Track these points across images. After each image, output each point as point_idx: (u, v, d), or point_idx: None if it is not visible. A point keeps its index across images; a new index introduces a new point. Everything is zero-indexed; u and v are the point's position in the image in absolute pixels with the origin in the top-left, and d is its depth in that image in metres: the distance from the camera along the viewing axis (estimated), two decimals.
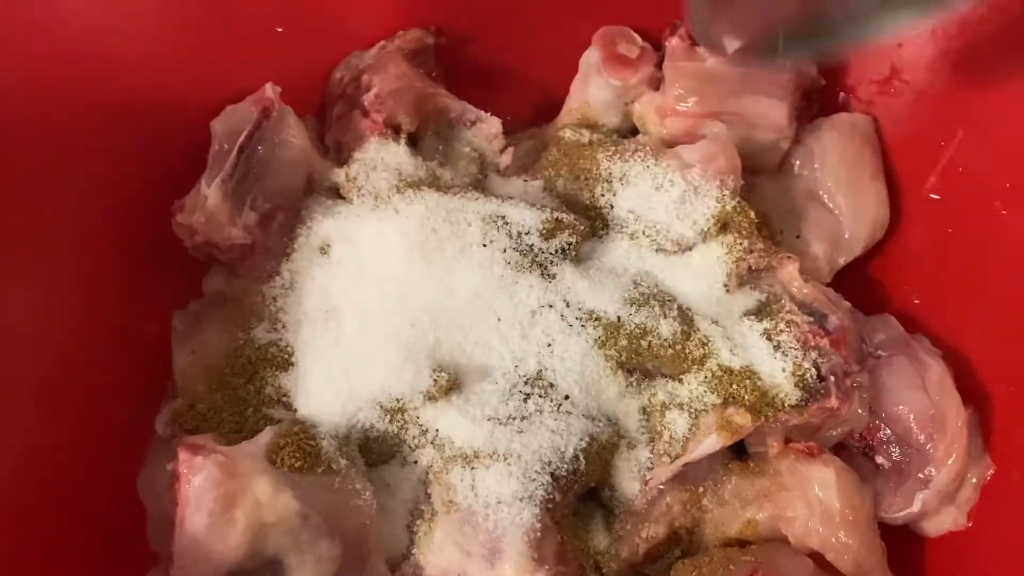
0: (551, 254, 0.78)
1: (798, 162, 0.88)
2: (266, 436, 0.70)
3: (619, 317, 0.75)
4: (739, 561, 0.70)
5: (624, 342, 0.75)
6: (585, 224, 0.78)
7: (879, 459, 0.77)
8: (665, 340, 0.75)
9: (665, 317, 0.75)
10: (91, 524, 0.76)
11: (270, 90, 0.82)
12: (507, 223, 0.78)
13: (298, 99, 0.87)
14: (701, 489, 0.76)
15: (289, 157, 0.81)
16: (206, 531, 0.65)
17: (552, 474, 0.70)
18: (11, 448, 0.73)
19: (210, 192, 0.78)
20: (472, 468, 0.70)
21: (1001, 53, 0.79)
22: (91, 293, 0.81)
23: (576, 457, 0.71)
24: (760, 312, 0.80)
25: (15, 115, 0.76)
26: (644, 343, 0.75)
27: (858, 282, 0.87)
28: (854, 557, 0.72)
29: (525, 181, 0.86)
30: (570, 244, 0.77)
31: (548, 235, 0.77)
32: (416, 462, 0.74)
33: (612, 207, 0.81)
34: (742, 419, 0.72)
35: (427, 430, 0.74)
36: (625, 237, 0.80)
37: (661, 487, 0.74)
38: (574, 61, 0.93)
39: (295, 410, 0.75)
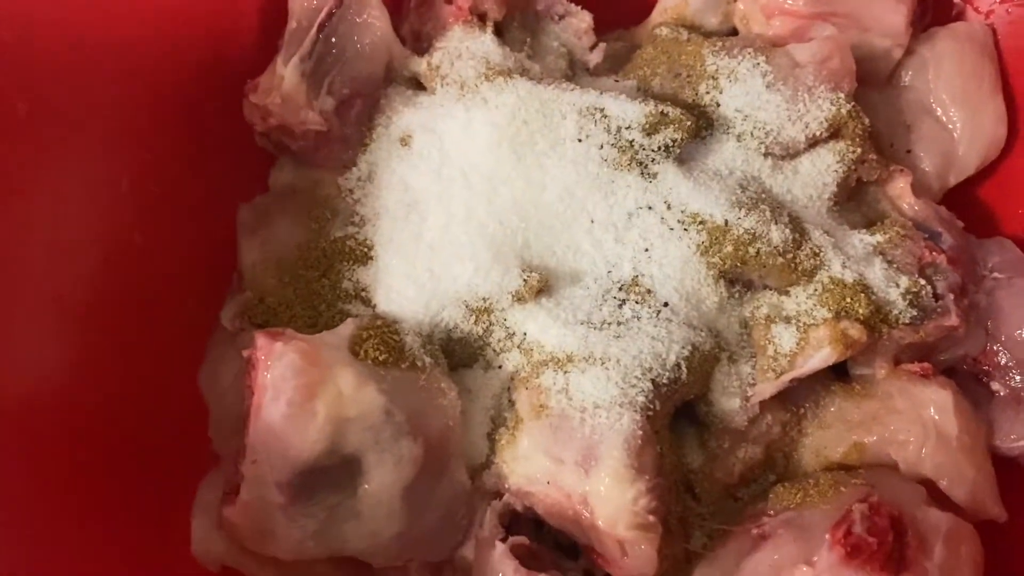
0: (653, 151, 0.72)
1: (911, 73, 0.82)
2: (348, 327, 0.66)
3: (727, 221, 0.70)
4: (849, 485, 0.66)
5: (730, 248, 0.70)
6: (692, 119, 0.72)
7: (995, 385, 0.73)
8: (775, 247, 0.69)
9: (776, 223, 0.70)
10: (152, 421, 0.72)
11: None
12: (606, 116, 0.72)
13: None
14: (802, 410, 0.72)
15: (370, 40, 0.76)
16: (284, 422, 0.61)
17: (653, 380, 0.65)
18: (70, 337, 0.69)
19: (287, 72, 0.73)
20: (566, 372, 0.66)
21: None
22: (153, 183, 0.77)
23: (678, 365, 0.66)
24: (869, 226, 0.75)
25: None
26: (752, 250, 0.69)
27: (970, 203, 0.82)
28: (970, 486, 0.67)
29: (616, 81, 0.80)
30: (675, 141, 0.72)
31: (651, 130, 0.72)
32: (500, 367, 0.70)
33: (718, 105, 0.75)
34: (857, 332, 0.67)
35: (514, 333, 0.69)
36: (731, 138, 0.74)
37: (762, 405, 0.69)
38: None
39: (374, 306, 0.71)
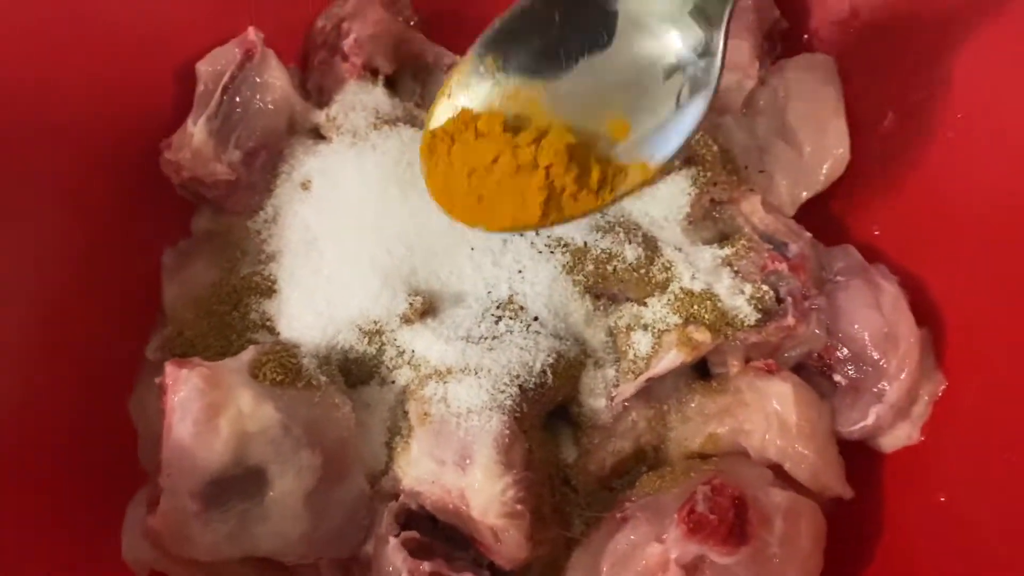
0: None
1: (762, 101, 0.91)
2: (249, 353, 0.74)
3: (586, 243, 0.79)
4: (700, 470, 0.74)
5: (591, 267, 0.78)
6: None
7: (836, 377, 0.81)
8: (630, 264, 0.78)
9: (630, 243, 0.79)
10: (86, 447, 0.80)
11: (252, 33, 0.85)
12: None
13: (281, 49, 0.91)
14: (666, 407, 0.80)
15: (271, 97, 0.85)
16: (192, 439, 0.69)
17: (520, 386, 0.73)
18: (9, 379, 0.77)
19: (196, 130, 0.82)
20: (445, 382, 0.74)
21: None
22: (84, 234, 0.85)
23: (544, 371, 0.75)
24: (722, 241, 0.84)
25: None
26: (610, 267, 0.78)
27: (820, 216, 0.90)
28: (811, 468, 0.75)
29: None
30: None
31: None
32: (394, 382, 0.78)
33: None
34: (701, 335, 0.76)
35: (404, 351, 0.78)
36: None
37: (627, 404, 0.78)
38: None
39: (278, 333, 0.79)
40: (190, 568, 0.75)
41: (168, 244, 0.89)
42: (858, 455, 0.81)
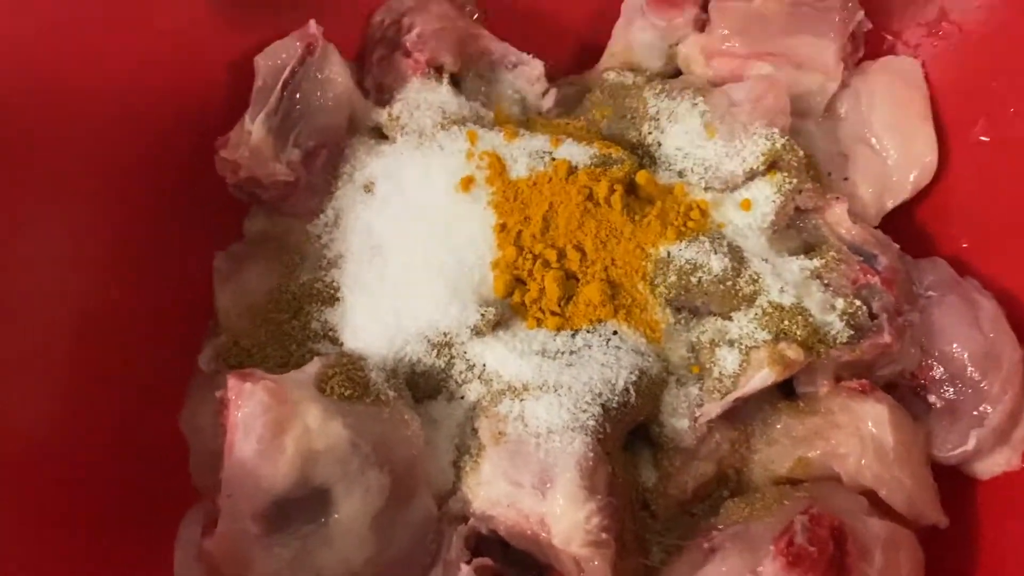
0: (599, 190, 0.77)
1: (845, 105, 0.87)
2: (314, 366, 0.69)
3: (669, 252, 0.74)
4: (793, 498, 0.69)
5: (673, 278, 0.74)
6: (634, 159, 0.77)
7: (931, 398, 0.76)
8: (715, 276, 0.74)
9: (716, 253, 0.74)
10: (134, 462, 0.76)
11: (314, 26, 0.81)
12: (554, 159, 0.77)
13: (339, 44, 0.87)
14: (750, 428, 0.75)
15: (332, 94, 0.81)
16: (255, 458, 0.64)
17: (603, 405, 0.69)
18: (55, 389, 0.73)
19: (254, 127, 0.78)
20: (521, 400, 0.70)
21: None
22: (130, 235, 0.81)
23: (627, 389, 0.70)
24: (806, 252, 0.79)
25: (52, 59, 0.76)
26: (694, 279, 0.74)
27: (906, 226, 0.86)
28: (907, 494, 0.71)
29: (567, 123, 0.85)
30: (618, 179, 0.76)
31: (597, 172, 0.76)
32: (463, 397, 0.74)
33: (660, 145, 0.80)
34: (795, 353, 0.71)
35: (474, 365, 0.73)
36: (673, 175, 0.79)
37: (710, 425, 0.73)
38: (616, 5, 0.92)
39: (341, 344, 0.75)
40: None
41: (219, 248, 0.84)
42: (950, 480, 0.76)
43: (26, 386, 0.72)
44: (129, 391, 0.77)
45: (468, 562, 0.68)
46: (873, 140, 0.86)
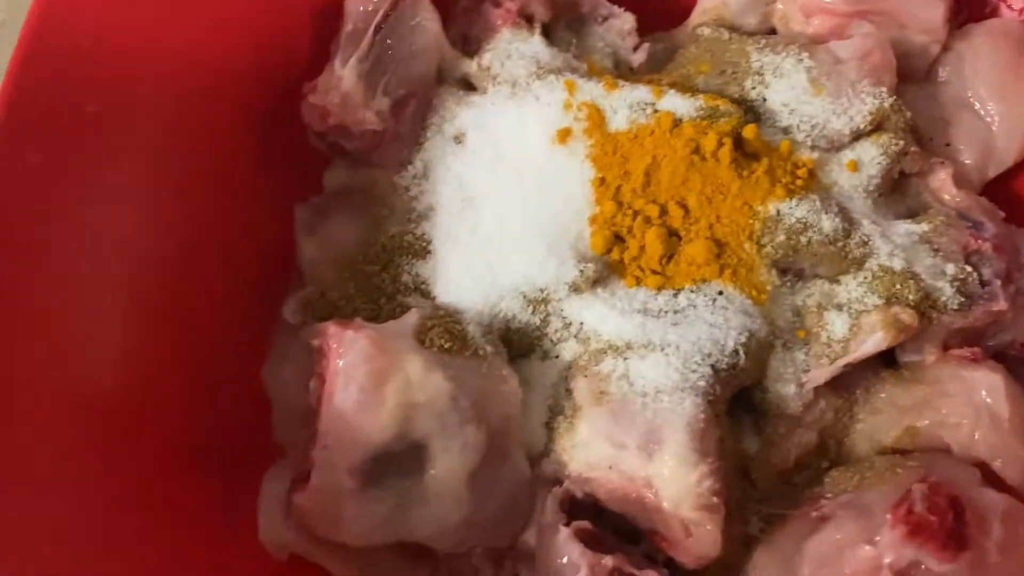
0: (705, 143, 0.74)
1: (948, 68, 0.84)
2: (413, 317, 0.67)
3: (778, 211, 0.71)
4: (906, 467, 0.67)
5: (782, 237, 0.71)
6: (741, 112, 0.74)
7: None
8: (826, 236, 0.71)
9: (826, 213, 0.71)
10: (215, 416, 0.74)
11: None
12: (656, 111, 0.74)
13: None
14: (853, 397, 0.73)
15: (423, 42, 0.78)
16: (355, 408, 0.62)
17: (712, 366, 0.66)
18: (135, 342, 0.71)
19: (346, 73, 0.75)
20: (625, 359, 0.67)
21: None
22: (208, 184, 0.78)
23: (736, 351, 0.67)
24: (913, 216, 0.76)
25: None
26: (804, 239, 0.71)
27: (1009, 195, 0.83)
28: (1023, 467, 0.68)
29: (663, 79, 0.82)
30: (726, 133, 0.73)
31: (703, 124, 0.73)
32: (558, 356, 0.71)
33: (765, 100, 0.77)
34: (909, 317, 0.68)
35: (571, 323, 0.70)
36: (778, 132, 0.76)
37: (816, 391, 0.70)
38: None
39: (434, 298, 0.72)
40: (336, 555, 0.68)
41: (297, 199, 0.81)
42: None
43: (104, 338, 0.69)
44: (211, 344, 0.74)
45: (567, 524, 0.66)
46: (977, 105, 0.83)
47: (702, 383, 0.65)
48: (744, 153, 0.73)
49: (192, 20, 0.77)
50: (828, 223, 0.71)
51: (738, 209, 0.71)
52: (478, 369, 0.66)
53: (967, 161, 0.82)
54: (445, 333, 0.66)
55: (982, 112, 0.82)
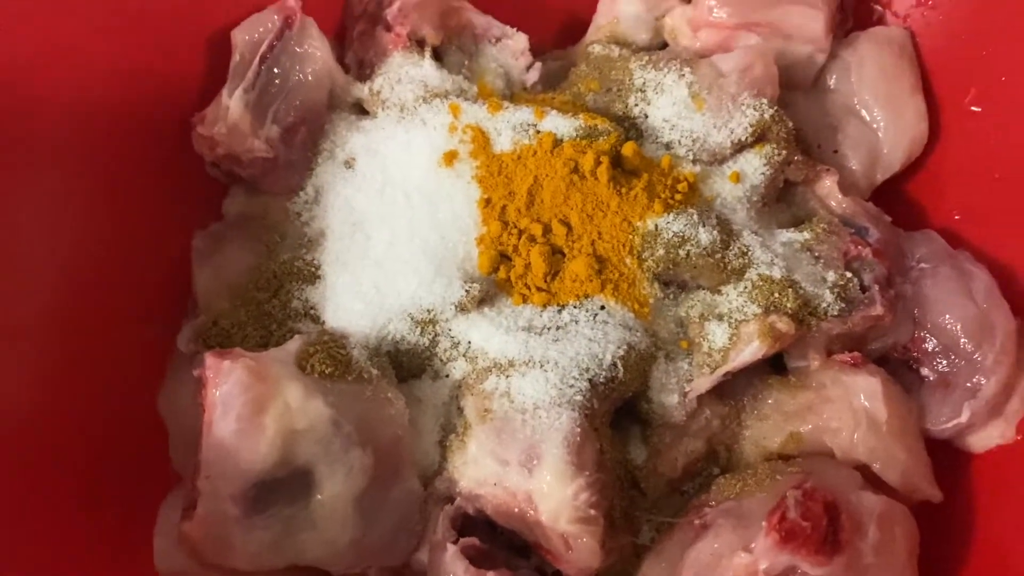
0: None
1: (834, 76, 0.86)
2: (295, 343, 0.68)
3: (656, 225, 0.73)
4: (785, 473, 0.68)
5: (661, 251, 0.72)
6: (620, 130, 0.75)
7: (924, 371, 0.75)
8: (704, 249, 0.72)
9: (704, 225, 0.73)
10: (112, 446, 0.74)
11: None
12: (539, 132, 0.75)
13: (319, 19, 0.85)
14: (740, 404, 0.74)
15: (311, 69, 0.79)
16: (234, 437, 0.63)
17: (590, 380, 0.67)
18: (30, 370, 0.71)
19: (232, 103, 0.76)
20: (507, 376, 0.68)
21: None
22: (107, 214, 0.79)
23: (614, 364, 0.69)
24: (799, 225, 0.78)
25: (23, 39, 0.74)
26: (682, 252, 0.72)
27: (897, 199, 0.85)
28: (901, 468, 0.70)
29: (552, 98, 0.83)
30: (605, 152, 0.74)
31: (582, 144, 0.75)
32: (448, 375, 0.72)
33: (647, 117, 0.78)
34: (785, 325, 0.70)
35: (459, 342, 0.72)
36: (661, 147, 0.78)
37: (700, 400, 0.72)
38: None
39: (323, 323, 0.73)
40: None
41: (198, 227, 0.82)
42: (944, 455, 0.75)
43: (1, 368, 0.70)
44: (107, 373, 0.75)
45: (455, 542, 0.67)
46: (863, 112, 0.85)
47: (579, 398, 0.66)
48: (624, 170, 0.75)
49: (90, 51, 0.78)
50: (705, 236, 0.72)
51: (618, 225, 0.73)
52: (362, 393, 0.67)
53: (855, 167, 0.83)
54: (327, 358, 0.67)
55: (868, 119, 0.84)
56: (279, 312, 0.74)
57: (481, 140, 0.75)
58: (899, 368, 0.76)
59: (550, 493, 0.64)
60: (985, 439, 0.75)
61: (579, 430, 0.65)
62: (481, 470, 0.67)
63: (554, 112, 0.76)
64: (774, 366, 0.76)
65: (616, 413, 0.72)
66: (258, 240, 0.78)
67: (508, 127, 0.76)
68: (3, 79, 0.72)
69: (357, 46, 0.86)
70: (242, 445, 0.63)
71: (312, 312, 0.74)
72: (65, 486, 0.71)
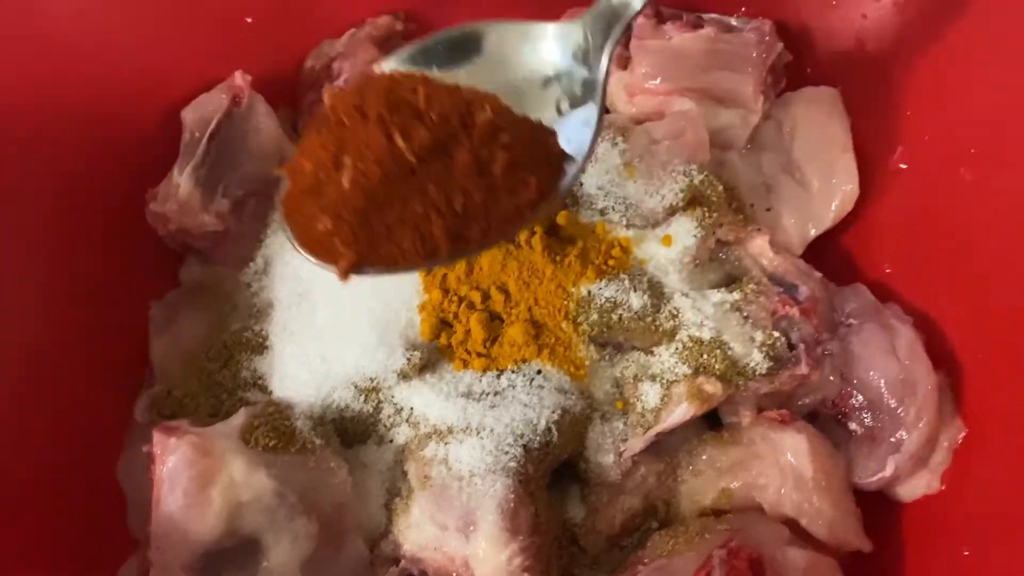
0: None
1: (767, 137, 0.88)
2: (240, 417, 0.71)
3: (589, 292, 0.76)
4: (714, 530, 0.71)
5: (595, 316, 0.75)
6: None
7: (852, 425, 0.78)
8: (635, 312, 0.75)
9: (635, 290, 0.76)
10: (71, 512, 0.77)
11: (239, 78, 0.83)
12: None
13: (272, 90, 0.88)
14: (676, 460, 0.77)
15: (260, 143, 0.82)
16: (182, 511, 0.66)
17: (524, 446, 0.70)
18: None
19: (182, 180, 0.79)
20: (446, 443, 0.71)
21: (962, 22, 0.80)
22: (66, 285, 0.82)
23: (548, 429, 0.72)
24: (730, 284, 0.81)
25: None
26: (615, 316, 0.75)
27: (830, 254, 0.87)
28: (828, 522, 0.72)
29: None
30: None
31: None
32: (392, 440, 0.75)
33: (581, 184, 0.81)
34: (712, 387, 0.73)
35: (402, 408, 0.75)
36: (595, 213, 0.80)
37: (636, 458, 0.75)
38: None
39: (271, 392, 0.76)
40: None
41: (155, 296, 0.85)
42: (876, 504, 0.78)
43: None
44: (67, 442, 0.78)
45: None
46: (795, 170, 0.87)
47: (513, 464, 0.69)
48: (559, 237, 0.77)
49: (42, 130, 0.81)
50: (636, 300, 0.75)
51: (553, 291, 0.76)
52: (305, 463, 0.70)
53: (788, 224, 0.86)
54: (271, 431, 0.70)
55: (800, 177, 0.87)
56: (229, 382, 0.77)
57: None
58: (829, 423, 0.79)
59: (485, 558, 0.67)
60: (912, 489, 0.77)
61: (513, 496, 0.68)
62: (423, 534, 0.70)
63: None
64: (710, 422, 0.79)
65: (555, 472, 0.75)
66: (211, 310, 0.81)
67: None
68: None
69: (308, 116, 0.89)
70: (190, 518, 0.66)
71: (260, 382, 0.77)
72: (25, 550, 0.73)
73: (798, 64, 0.92)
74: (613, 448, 0.75)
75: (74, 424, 0.79)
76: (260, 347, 0.78)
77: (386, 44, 0.90)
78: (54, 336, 0.80)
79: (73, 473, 0.78)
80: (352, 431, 0.75)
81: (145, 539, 0.75)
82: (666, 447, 0.76)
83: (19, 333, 0.78)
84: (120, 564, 0.76)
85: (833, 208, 0.87)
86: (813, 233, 0.87)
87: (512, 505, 0.68)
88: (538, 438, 0.71)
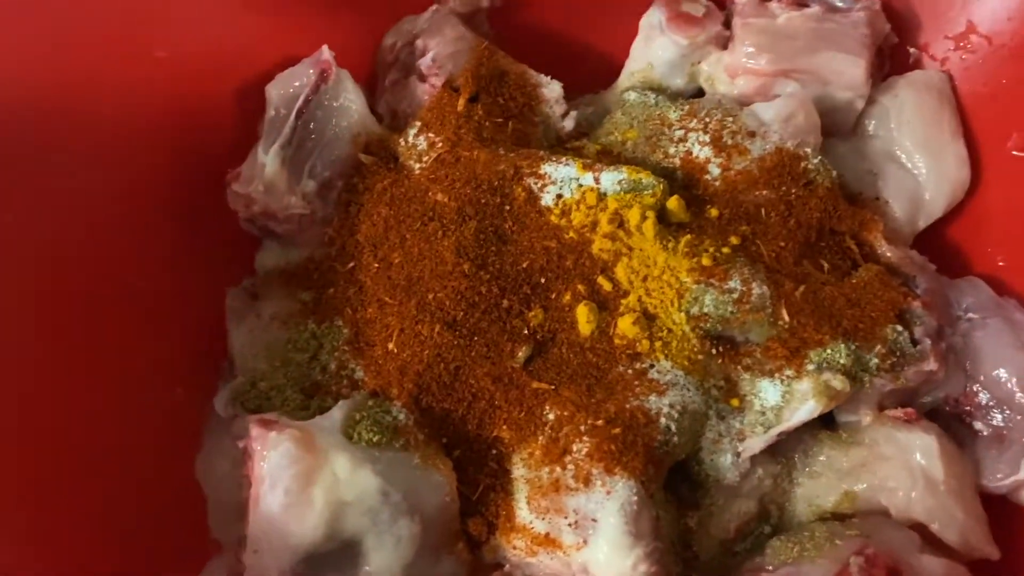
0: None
1: (874, 122, 0.84)
2: (340, 410, 0.66)
3: (704, 282, 0.71)
4: (844, 536, 0.66)
5: (711, 307, 0.71)
6: (664, 184, 0.74)
7: (977, 425, 0.74)
8: (754, 304, 0.71)
9: (754, 280, 0.71)
10: (148, 512, 0.72)
11: (327, 52, 0.78)
12: (581, 186, 0.74)
13: (347, 68, 0.84)
14: (792, 461, 0.72)
15: (347, 123, 0.78)
16: (283, 512, 0.61)
17: (645, 444, 0.66)
18: (64, 437, 0.70)
19: (268, 160, 0.74)
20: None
21: None
22: (140, 273, 0.78)
23: (668, 427, 0.67)
24: (846, 274, 0.76)
25: (63, 98, 0.73)
26: (733, 308, 0.71)
27: (939, 245, 0.84)
28: (960, 528, 0.68)
29: (592, 147, 0.82)
30: (650, 205, 0.73)
31: (627, 197, 0.73)
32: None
33: (691, 167, 0.77)
34: (840, 383, 0.68)
35: None
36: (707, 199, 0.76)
37: (752, 459, 0.70)
38: (632, 24, 0.89)
39: (365, 386, 0.71)
40: None
41: (231, 283, 0.81)
42: (996, 511, 0.74)
43: (36, 433, 0.68)
44: (142, 438, 0.73)
45: None
46: (903, 157, 0.83)
47: (635, 464, 0.65)
48: (669, 224, 0.73)
49: (119, 108, 0.77)
50: (757, 290, 0.71)
51: (666, 281, 0.71)
52: (409, 461, 0.66)
53: (897, 214, 0.82)
54: (374, 425, 0.65)
55: (909, 164, 0.83)
56: (319, 375, 0.72)
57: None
58: (952, 422, 0.75)
59: (607, 563, 0.62)
60: None
61: (636, 499, 0.63)
62: (532, 538, 0.66)
63: (597, 165, 0.74)
64: (824, 421, 0.74)
65: (667, 475, 0.71)
66: (294, 297, 0.76)
67: (551, 181, 0.74)
68: (39, 141, 0.72)
69: (389, 96, 0.85)
70: (291, 520, 0.61)
71: (354, 375, 0.72)
72: (102, 555, 0.69)
73: (903, 48, 0.88)
74: (731, 448, 0.70)
75: (149, 420, 0.75)
76: (351, 338, 0.73)
77: (472, 20, 0.86)
78: (124, 326, 0.76)
79: (148, 473, 0.73)
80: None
81: (230, 541, 0.71)
82: (781, 447, 0.72)
83: (88, 322, 0.74)
84: (200, 567, 0.71)
85: (944, 197, 0.83)
86: (923, 224, 0.83)
87: (636, 508, 0.63)
88: (659, 436, 0.66)
